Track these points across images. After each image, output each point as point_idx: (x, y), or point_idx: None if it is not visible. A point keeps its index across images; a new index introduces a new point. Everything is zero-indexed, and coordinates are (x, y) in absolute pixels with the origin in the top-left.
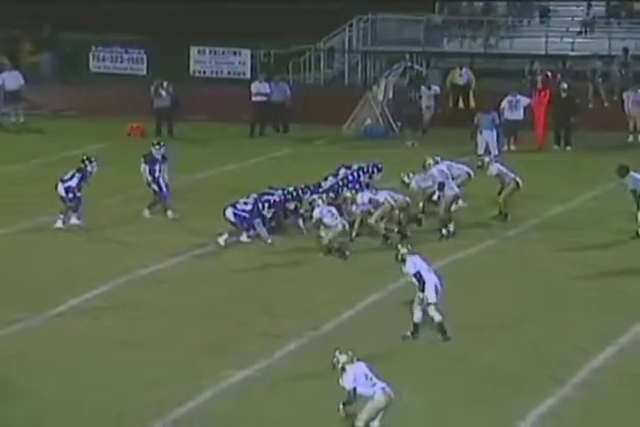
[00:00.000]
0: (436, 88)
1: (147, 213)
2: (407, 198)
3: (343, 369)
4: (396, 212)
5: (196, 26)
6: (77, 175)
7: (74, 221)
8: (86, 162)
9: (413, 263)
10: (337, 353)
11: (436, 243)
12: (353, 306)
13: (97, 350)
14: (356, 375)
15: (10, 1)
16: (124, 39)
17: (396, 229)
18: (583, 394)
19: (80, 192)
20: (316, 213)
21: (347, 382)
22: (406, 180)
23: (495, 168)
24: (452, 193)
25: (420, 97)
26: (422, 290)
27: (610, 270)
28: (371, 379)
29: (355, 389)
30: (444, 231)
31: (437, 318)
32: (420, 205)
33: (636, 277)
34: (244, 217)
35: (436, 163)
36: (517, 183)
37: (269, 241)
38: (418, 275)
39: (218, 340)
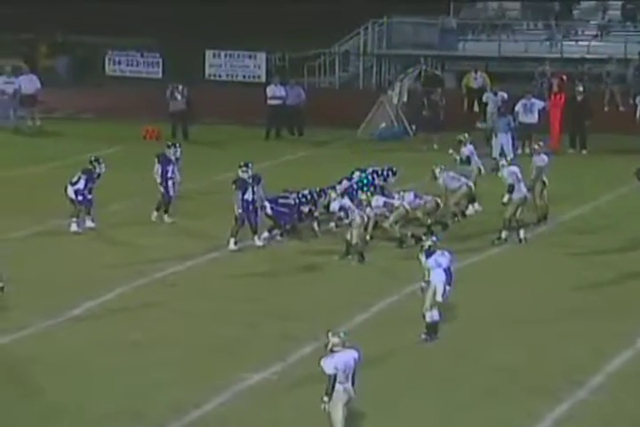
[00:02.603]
0: (503, 94)
1: (154, 215)
2: (438, 200)
3: (332, 351)
4: (419, 214)
5: (211, 29)
6: (83, 177)
7: (89, 224)
8: (94, 163)
9: (435, 259)
10: (329, 335)
11: (452, 245)
12: (367, 309)
13: (112, 351)
14: (337, 364)
15: (26, 5)
16: (139, 43)
17: (409, 233)
18: (599, 398)
19: (90, 194)
20: (333, 207)
21: (328, 366)
22: (437, 173)
23: (542, 159)
24: (519, 196)
25: (437, 98)
26: (427, 284)
27: (626, 273)
28: (347, 375)
29: (335, 376)
30: (503, 234)
31: (436, 317)
32: (453, 208)
33: None
34: (284, 212)
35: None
36: (544, 182)
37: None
38: (430, 270)
39: (233, 342)
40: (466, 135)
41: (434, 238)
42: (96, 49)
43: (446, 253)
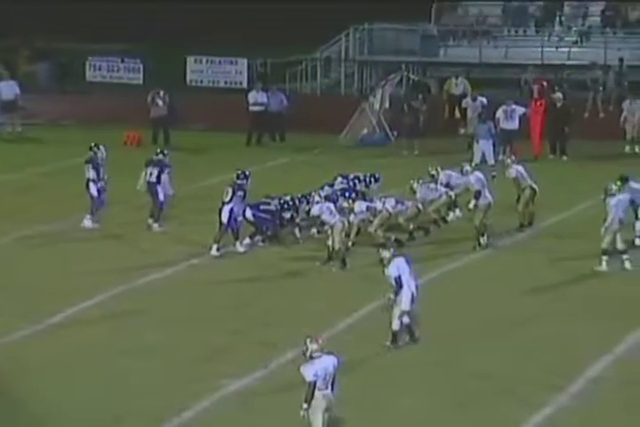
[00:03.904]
0: (482, 99)
1: (155, 226)
2: (419, 205)
3: (312, 358)
4: (401, 220)
5: (192, 35)
6: (100, 167)
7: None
8: (94, 149)
9: (397, 267)
10: (307, 341)
11: (433, 251)
12: (349, 315)
13: (94, 358)
14: (317, 370)
15: (6, 11)
16: (120, 48)
17: (393, 237)
18: (580, 403)
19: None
20: (314, 210)
21: (308, 373)
22: (415, 187)
23: (514, 171)
24: (485, 202)
25: (418, 105)
26: (397, 294)
27: (605, 279)
28: (327, 381)
29: (315, 382)
30: (481, 240)
31: (405, 320)
32: (433, 215)
33: (632, 286)
34: (265, 218)
35: (472, 171)
36: (534, 189)
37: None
38: (398, 279)
39: (214, 349)
40: (438, 169)
41: (392, 249)
42: (77, 55)
43: (402, 259)
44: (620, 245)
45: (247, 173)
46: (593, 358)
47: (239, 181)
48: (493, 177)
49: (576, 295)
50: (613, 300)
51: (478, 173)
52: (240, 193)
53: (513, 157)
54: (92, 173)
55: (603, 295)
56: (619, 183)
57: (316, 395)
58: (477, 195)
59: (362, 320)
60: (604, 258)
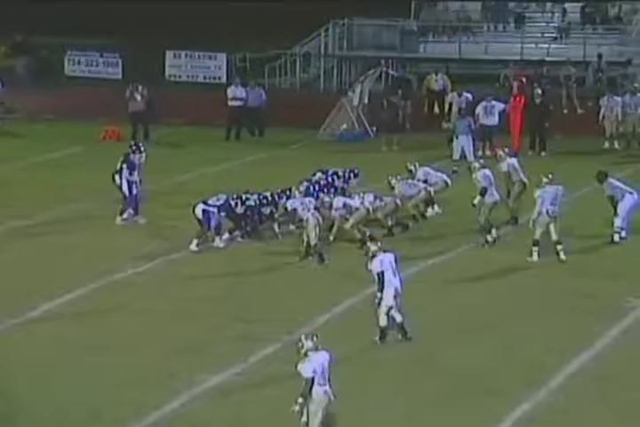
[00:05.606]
0: (467, 95)
1: (119, 219)
2: (397, 201)
3: (306, 355)
4: (380, 215)
5: (171, 30)
6: (126, 165)
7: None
8: (133, 148)
9: (380, 262)
10: (302, 337)
11: (412, 247)
12: (328, 310)
13: (72, 353)
14: (315, 367)
15: None
16: (99, 43)
17: (367, 233)
18: (559, 399)
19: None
20: (289, 205)
21: (306, 370)
22: (393, 182)
23: (505, 164)
24: (491, 200)
25: (397, 100)
26: (380, 290)
27: (585, 275)
28: (324, 376)
29: (313, 379)
30: (488, 238)
31: (398, 318)
32: (412, 211)
33: (611, 281)
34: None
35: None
36: (524, 184)
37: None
38: (380, 275)
39: (193, 344)
40: (416, 164)
41: (378, 244)
42: (56, 49)
43: (389, 255)
44: (554, 236)
45: (244, 198)
46: (572, 353)
47: (232, 202)
48: (454, 172)
49: (556, 291)
50: (593, 296)
51: (486, 171)
52: (220, 204)
53: (506, 150)
54: (124, 171)
55: (582, 291)
56: (550, 176)
57: (318, 391)
58: (483, 191)
59: (341, 316)
60: (535, 249)
